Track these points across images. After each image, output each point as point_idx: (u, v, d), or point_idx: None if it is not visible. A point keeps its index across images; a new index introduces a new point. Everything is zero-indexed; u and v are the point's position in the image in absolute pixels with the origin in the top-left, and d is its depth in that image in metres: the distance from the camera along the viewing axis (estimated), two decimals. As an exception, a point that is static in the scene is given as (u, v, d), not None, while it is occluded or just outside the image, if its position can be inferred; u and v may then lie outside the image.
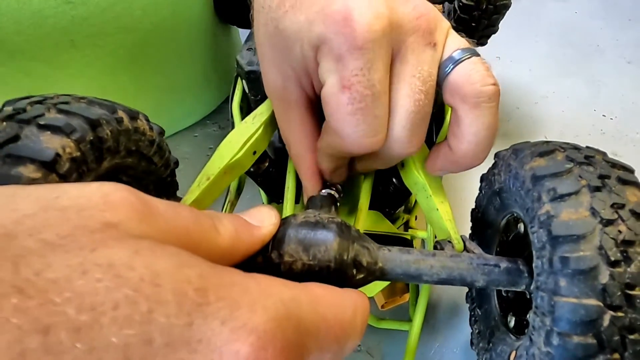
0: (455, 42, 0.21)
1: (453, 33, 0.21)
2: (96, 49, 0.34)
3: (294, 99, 0.22)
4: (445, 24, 0.21)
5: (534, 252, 0.18)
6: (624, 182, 0.18)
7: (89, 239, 0.11)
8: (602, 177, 0.18)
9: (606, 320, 0.15)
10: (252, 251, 0.17)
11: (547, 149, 0.20)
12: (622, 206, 0.17)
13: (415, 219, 0.34)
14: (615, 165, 0.19)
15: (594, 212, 0.16)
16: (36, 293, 0.10)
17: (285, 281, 0.14)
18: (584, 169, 0.18)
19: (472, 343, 0.27)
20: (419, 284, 0.31)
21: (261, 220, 0.17)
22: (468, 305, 0.28)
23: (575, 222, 0.16)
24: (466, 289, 0.29)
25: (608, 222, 0.16)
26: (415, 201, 0.34)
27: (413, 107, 0.20)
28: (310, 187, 0.25)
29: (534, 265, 0.19)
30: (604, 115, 0.49)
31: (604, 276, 0.15)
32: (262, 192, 0.32)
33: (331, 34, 0.19)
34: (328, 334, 0.14)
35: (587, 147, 0.21)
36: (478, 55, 0.21)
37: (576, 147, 0.20)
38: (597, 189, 0.17)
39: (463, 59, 0.20)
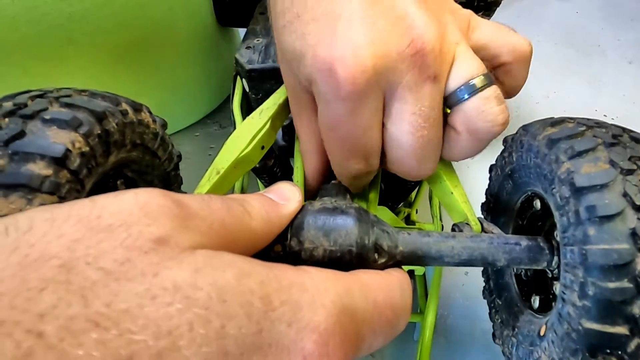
0: (468, 67, 0.20)
1: (463, 52, 0.20)
2: (95, 46, 0.34)
3: (303, 102, 0.23)
4: (451, 46, 0.20)
5: (556, 213, 0.19)
6: (637, 140, 0.18)
7: (146, 263, 0.11)
8: (615, 136, 0.18)
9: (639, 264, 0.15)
10: (282, 229, 0.17)
11: (557, 120, 0.21)
12: (640, 158, 0.17)
13: (416, 212, 0.34)
14: (624, 129, 0.20)
15: (613, 164, 0.17)
16: (112, 325, 0.10)
17: (335, 272, 0.15)
18: (597, 130, 0.19)
19: (494, 336, 0.26)
20: (426, 280, 0.30)
21: (286, 197, 0.17)
22: (486, 299, 0.28)
23: (597, 173, 0.17)
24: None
25: (629, 172, 0.16)
26: (416, 195, 0.34)
27: (416, 143, 0.20)
28: (313, 183, 0.25)
29: (557, 225, 0.19)
30: (605, 115, 0.48)
31: (632, 220, 0.16)
32: (264, 190, 0.32)
33: (318, 79, 0.19)
34: (380, 318, 0.15)
35: (595, 118, 0.21)
36: (493, 82, 0.20)
37: (585, 118, 0.21)
38: (613, 144, 0.18)
39: (479, 89, 0.20)
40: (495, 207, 0.26)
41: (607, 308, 0.15)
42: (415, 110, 0.19)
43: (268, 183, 0.30)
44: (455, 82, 0.20)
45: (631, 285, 0.15)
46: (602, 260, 0.16)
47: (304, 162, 0.25)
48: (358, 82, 0.18)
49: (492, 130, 0.20)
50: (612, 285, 0.15)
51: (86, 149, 0.18)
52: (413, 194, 0.33)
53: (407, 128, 0.20)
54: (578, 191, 0.17)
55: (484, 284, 0.28)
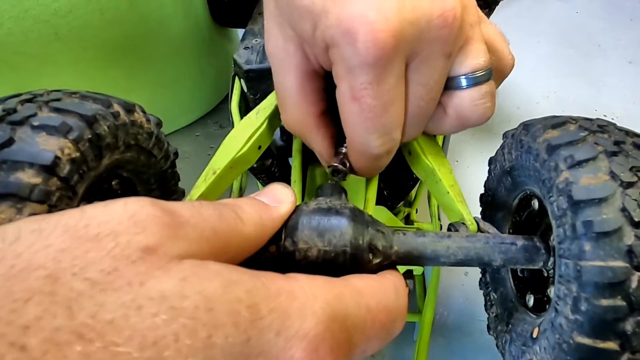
0: (479, 58, 0.20)
1: (477, 39, 0.20)
2: (82, 41, 0.33)
3: (293, 63, 0.21)
4: (467, 26, 0.20)
5: (553, 222, 0.18)
6: (639, 147, 0.18)
7: (134, 272, 0.11)
8: (617, 143, 0.18)
9: (634, 282, 0.15)
10: (275, 232, 0.17)
11: (559, 121, 0.20)
12: (641, 169, 0.17)
13: (416, 212, 0.34)
14: (628, 132, 0.19)
15: (613, 175, 0.16)
16: (96, 336, 0.10)
17: (326, 278, 0.14)
18: (599, 137, 0.18)
19: (489, 328, 0.26)
20: (425, 278, 0.31)
21: (279, 199, 0.17)
22: (482, 290, 0.28)
23: (596, 186, 0.16)
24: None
25: (629, 185, 0.16)
26: (416, 194, 0.34)
27: (413, 113, 0.20)
28: (325, 153, 0.23)
29: (554, 234, 0.18)
30: (605, 115, 0.49)
31: (629, 237, 0.15)
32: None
33: (343, 42, 0.18)
34: (374, 323, 0.15)
35: (598, 118, 0.21)
36: (491, 77, 0.21)
37: (587, 119, 0.20)
38: (614, 154, 0.17)
39: (479, 82, 0.20)
40: (493, 202, 0.26)
41: (599, 324, 0.15)
42: (423, 81, 0.19)
43: (266, 183, 0.30)
44: (462, 68, 0.20)
45: (624, 303, 0.15)
46: (597, 278, 0.15)
47: (303, 137, 0.23)
48: (387, 47, 0.18)
49: (479, 122, 0.21)
50: (605, 302, 0.15)
51: (76, 154, 0.18)
52: (413, 193, 0.33)
53: (409, 97, 0.20)
54: (576, 204, 0.16)
55: (480, 276, 0.28)
